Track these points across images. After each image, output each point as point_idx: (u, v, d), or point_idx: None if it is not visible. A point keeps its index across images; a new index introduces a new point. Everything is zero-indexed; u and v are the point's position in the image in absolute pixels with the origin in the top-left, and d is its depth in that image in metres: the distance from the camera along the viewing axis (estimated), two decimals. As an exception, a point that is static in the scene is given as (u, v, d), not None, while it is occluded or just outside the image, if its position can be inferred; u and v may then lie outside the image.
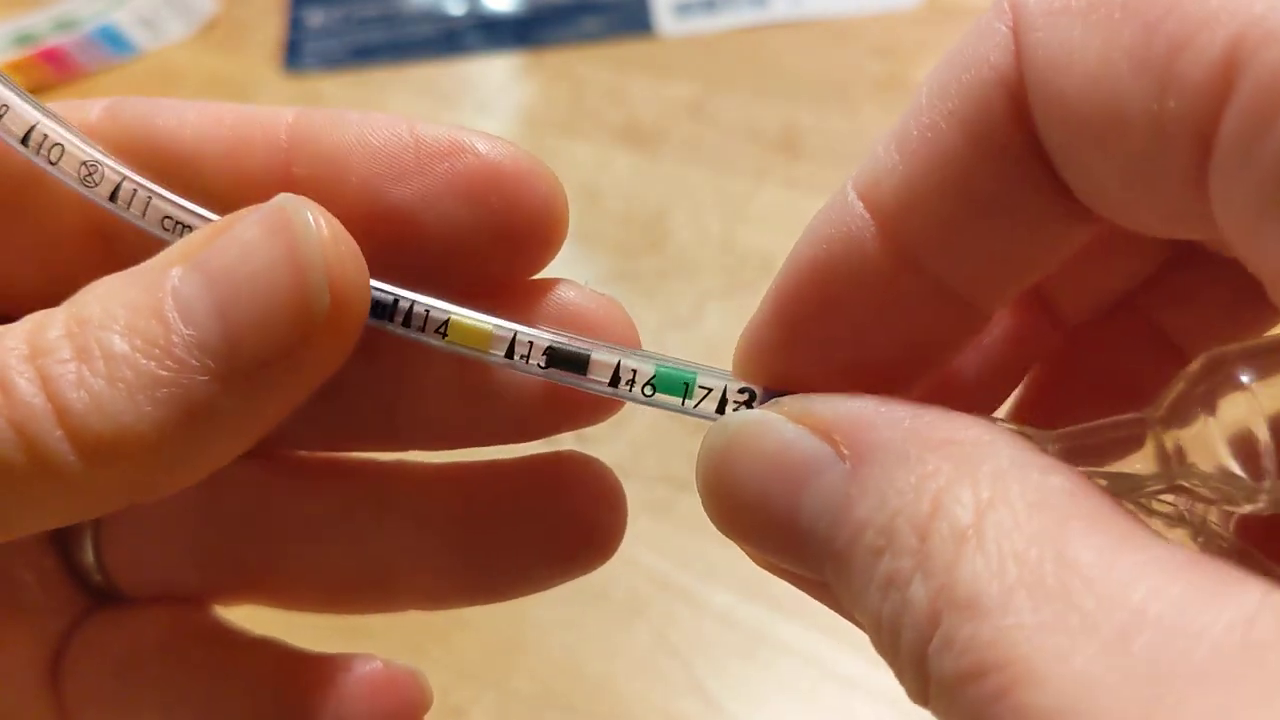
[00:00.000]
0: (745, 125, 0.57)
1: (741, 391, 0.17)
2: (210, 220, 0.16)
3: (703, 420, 0.17)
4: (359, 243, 0.16)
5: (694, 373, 0.17)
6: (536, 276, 0.18)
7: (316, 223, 0.15)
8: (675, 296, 0.49)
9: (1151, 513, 0.16)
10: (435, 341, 0.16)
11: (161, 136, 0.17)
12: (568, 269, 0.18)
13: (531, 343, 0.16)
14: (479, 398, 0.18)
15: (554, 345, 0.16)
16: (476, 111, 0.61)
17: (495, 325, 0.16)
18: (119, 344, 0.14)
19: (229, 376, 0.15)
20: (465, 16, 0.65)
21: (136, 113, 0.17)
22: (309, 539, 0.19)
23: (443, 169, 0.16)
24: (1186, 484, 0.16)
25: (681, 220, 0.52)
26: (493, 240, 0.17)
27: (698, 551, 0.39)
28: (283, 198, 0.15)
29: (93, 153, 0.16)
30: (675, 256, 0.51)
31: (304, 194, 0.16)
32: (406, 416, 0.19)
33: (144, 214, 0.16)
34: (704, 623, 0.38)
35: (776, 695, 0.37)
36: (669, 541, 0.40)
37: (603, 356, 0.16)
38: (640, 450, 0.43)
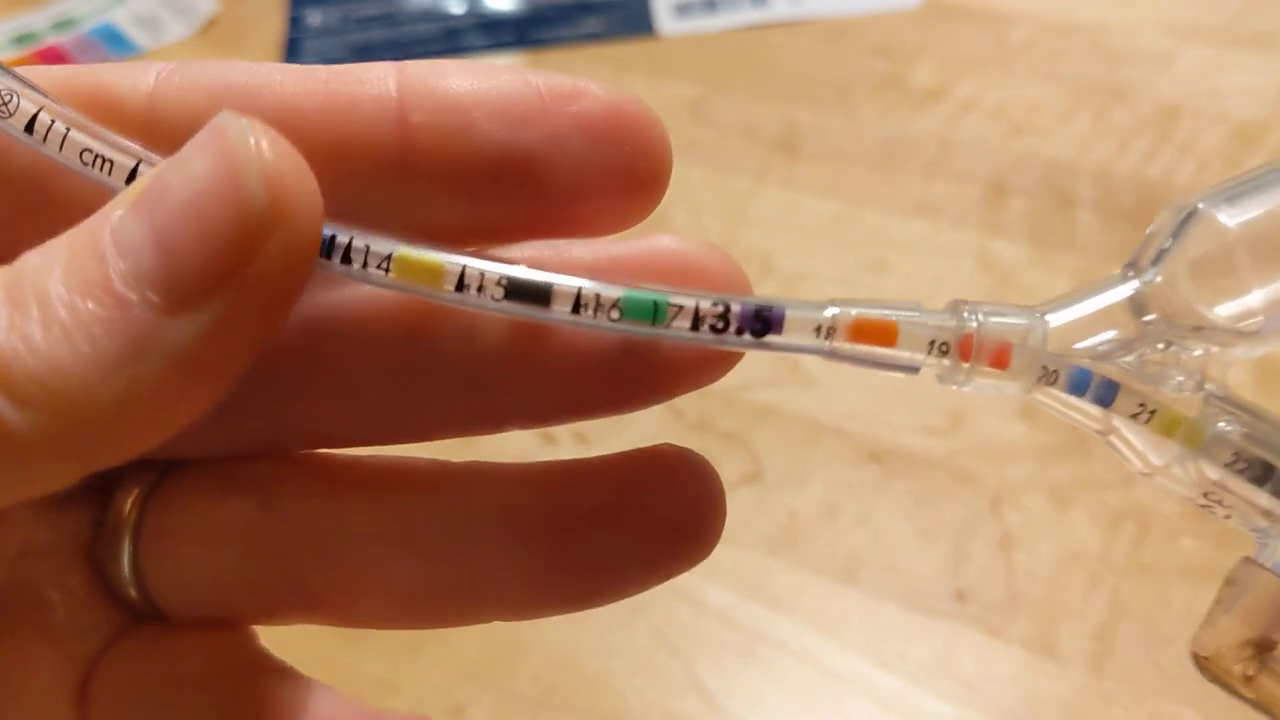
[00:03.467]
0: (745, 125, 0.57)
1: (715, 305, 0.15)
2: (139, 154, 0.15)
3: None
4: (478, 190, 0.16)
5: (664, 295, 0.15)
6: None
7: (253, 131, 0.14)
8: (675, 296, 0.49)
9: (1149, 375, 0.16)
10: (380, 277, 0.15)
11: (240, 96, 0.16)
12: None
13: (484, 273, 0.15)
14: (554, 364, 0.17)
15: (510, 276, 0.15)
16: (476, 111, 0.61)
17: (446, 260, 0.15)
18: (54, 288, 0.13)
19: (171, 305, 0.13)
20: (465, 16, 0.65)
21: (199, 74, 0.17)
22: (381, 550, 0.18)
23: (570, 112, 0.16)
24: (1174, 339, 0.16)
25: (681, 220, 0.52)
26: (616, 182, 0.17)
27: (697, 551, 0.39)
28: (219, 115, 0.14)
29: (9, 83, 0.15)
30: (675, 256, 0.51)
31: (425, 142, 0.16)
32: (491, 390, 0.18)
33: (60, 148, 0.15)
34: (703, 621, 0.38)
35: (775, 693, 0.37)
36: (668, 541, 0.40)
37: (565, 285, 0.15)
38: (640, 449, 0.43)
